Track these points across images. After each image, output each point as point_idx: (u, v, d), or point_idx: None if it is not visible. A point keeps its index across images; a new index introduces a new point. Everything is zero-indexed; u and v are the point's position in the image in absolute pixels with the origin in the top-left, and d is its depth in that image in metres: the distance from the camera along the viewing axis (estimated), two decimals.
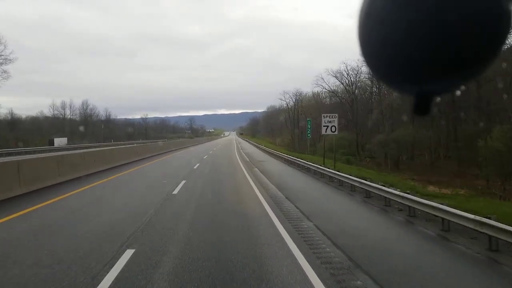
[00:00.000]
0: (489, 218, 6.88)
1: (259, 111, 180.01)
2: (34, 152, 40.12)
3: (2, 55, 46.75)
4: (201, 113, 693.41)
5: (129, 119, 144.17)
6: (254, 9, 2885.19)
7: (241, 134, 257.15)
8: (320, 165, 21.13)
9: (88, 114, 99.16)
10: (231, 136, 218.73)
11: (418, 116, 0.78)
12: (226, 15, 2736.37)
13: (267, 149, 46.44)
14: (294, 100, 76.22)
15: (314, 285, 4.96)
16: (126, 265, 5.57)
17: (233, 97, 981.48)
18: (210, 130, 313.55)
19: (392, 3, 0.66)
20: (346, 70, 51.35)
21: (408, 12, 0.64)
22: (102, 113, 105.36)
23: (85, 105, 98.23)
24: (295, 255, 6.24)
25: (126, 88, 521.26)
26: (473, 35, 0.63)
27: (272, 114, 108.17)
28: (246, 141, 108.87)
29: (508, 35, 0.66)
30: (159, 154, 37.83)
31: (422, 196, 10.97)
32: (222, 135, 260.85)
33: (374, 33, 0.70)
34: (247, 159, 33.00)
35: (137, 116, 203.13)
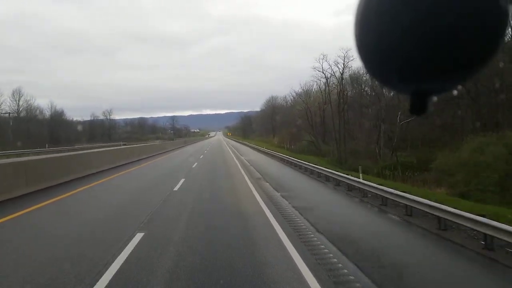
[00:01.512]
0: None
1: (245, 111, 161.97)
2: None
3: None
4: (186, 113, 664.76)
5: (95, 119, 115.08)
6: (237, 6, 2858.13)
7: (228, 134, 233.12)
8: None
9: (21, 109, 69.98)
10: (218, 137, 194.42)
11: (415, 115, 0.72)
12: (208, 12, 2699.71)
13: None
14: (341, 69, 43.07)
15: None
16: None
17: (218, 96, 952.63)
18: (195, 130, 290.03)
19: (389, 1, 0.65)
20: None
21: (406, 11, 0.63)
22: (45, 107, 76.53)
23: (16, 96, 68.95)
24: None
25: (107, 87, 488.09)
26: (471, 35, 0.62)
27: (277, 108, 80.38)
28: (245, 145, 69.79)
29: (505, 35, 0.65)
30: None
31: None
32: (207, 136, 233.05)
33: (370, 30, 0.68)
34: None
35: (121, 116, 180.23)
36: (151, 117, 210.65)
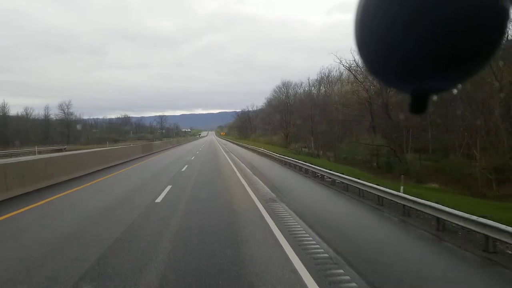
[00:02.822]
0: None
1: (237, 110, 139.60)
2: None
3: None
4: (178, 112, 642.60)
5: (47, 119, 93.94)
6: (227, 3, 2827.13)
7: (222, 134, 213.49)
8: None
9: None
10: (211, 137, 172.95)
11: (414, 114, 0.73)
12: (197, 10, 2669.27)
13: None
14: None
15: None
16: None
17: (210, 96, 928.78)
18: (186, 130, 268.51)
19: (389, 0, 0.64)
20: None
21: (405, 10, 0.62)
22: None
23: None
24: None
25: (96, 87, 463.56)
26: (471, 33, 0.61)
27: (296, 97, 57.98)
28: (255, 152, 39.48)
29: (505, 34, 0.64)
30: None
31: None
32: (198, 136, 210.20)
33: (370, 30, 0.67)
34: None
35: (112, 115, 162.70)
36: (143, 117, 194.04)
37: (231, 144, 71.19)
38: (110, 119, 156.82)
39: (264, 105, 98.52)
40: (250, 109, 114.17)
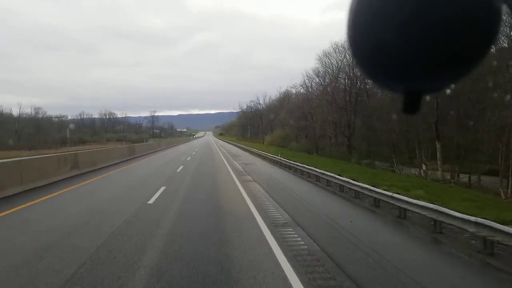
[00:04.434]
0: None
1: (234, 111, 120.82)
2: None
3: None
4: (175, 113, 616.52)
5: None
6: (224, 2, 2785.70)
7: (220, 134, 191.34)
8: None
9: None
10: (207, 138, 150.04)
11: (407, 114, 0.72)
12: (189, 7, 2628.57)
13: None
14: None
15: None
16: None
17: (207, 96, 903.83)
18: (182, 130, 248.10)
19: (382, 0, 0.62)
20: None
21: (398, 10, 0.60)
22: None
23: None
24: None
25: (94, 86, 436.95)
26: (464, 34, 0.60)
27: None
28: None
29: (498, 33, 0.62)
30: None
31: None
32: (192, 136, 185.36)
33: (363, 30, 0.66)
34: None
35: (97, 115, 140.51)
36: (139, 117, 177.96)
37: (244, 152, 44.73)
38: (91, 118, 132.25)
39: (276, 97, 73.06)
40: (261, 103, 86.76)
